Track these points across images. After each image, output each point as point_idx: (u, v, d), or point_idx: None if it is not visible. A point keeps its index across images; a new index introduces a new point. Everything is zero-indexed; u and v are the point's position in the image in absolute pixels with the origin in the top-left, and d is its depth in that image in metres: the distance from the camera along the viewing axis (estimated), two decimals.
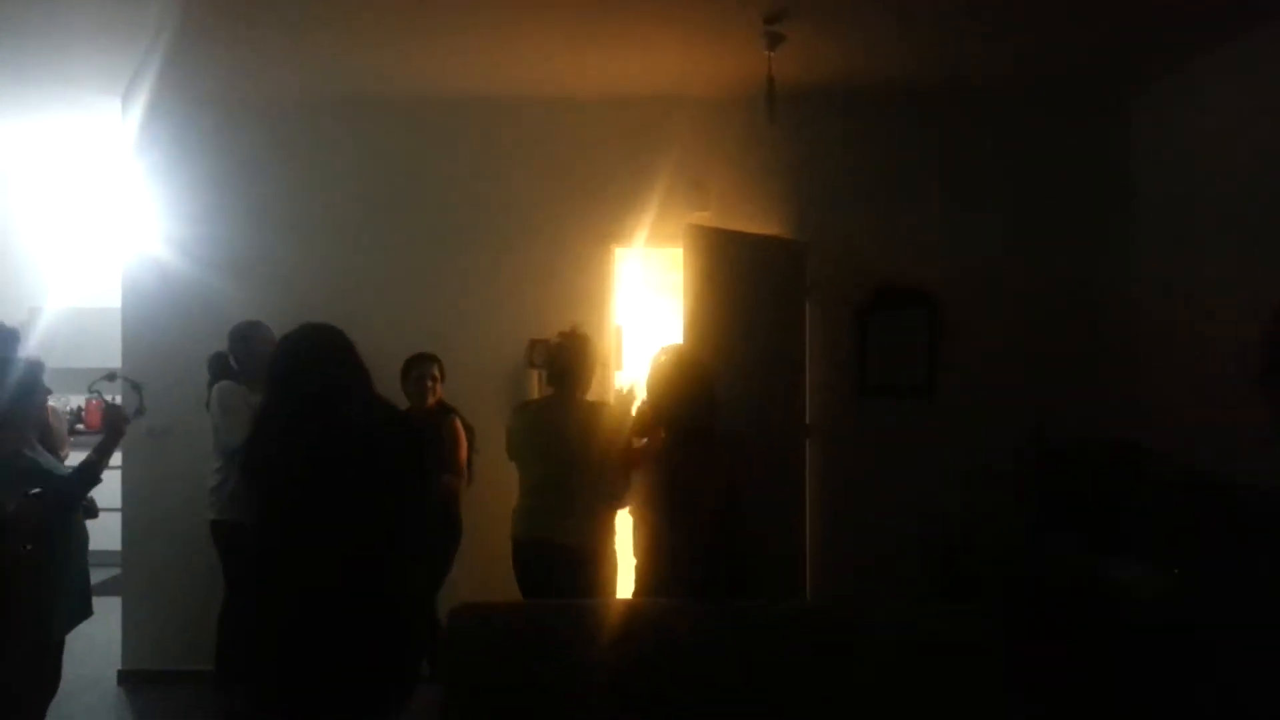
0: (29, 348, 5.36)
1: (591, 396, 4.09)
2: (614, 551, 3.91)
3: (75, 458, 3.87)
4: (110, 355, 5.27)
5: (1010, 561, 4.47)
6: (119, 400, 4.26)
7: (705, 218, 4.95)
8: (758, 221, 5.08)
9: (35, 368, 3.52)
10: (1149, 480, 4.57)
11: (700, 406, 3.47)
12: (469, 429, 4.54)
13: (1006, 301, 5.11)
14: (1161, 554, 4.06)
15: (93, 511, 3.70)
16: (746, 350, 4.59)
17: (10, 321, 7.12)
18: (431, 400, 4.53)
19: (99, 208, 6.97)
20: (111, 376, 4.02)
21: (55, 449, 4.76)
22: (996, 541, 4.65)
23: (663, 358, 3.73)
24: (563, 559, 3.77)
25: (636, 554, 3.61)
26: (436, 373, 4.57)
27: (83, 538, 3.64)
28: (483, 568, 4.25)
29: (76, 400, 7.64)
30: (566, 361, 3.94)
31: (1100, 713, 3.75)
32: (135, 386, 4.07)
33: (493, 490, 4.45)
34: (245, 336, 4.46)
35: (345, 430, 2.75)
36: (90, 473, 3.49)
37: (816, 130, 5.12)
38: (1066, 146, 5.16)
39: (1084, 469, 4.63)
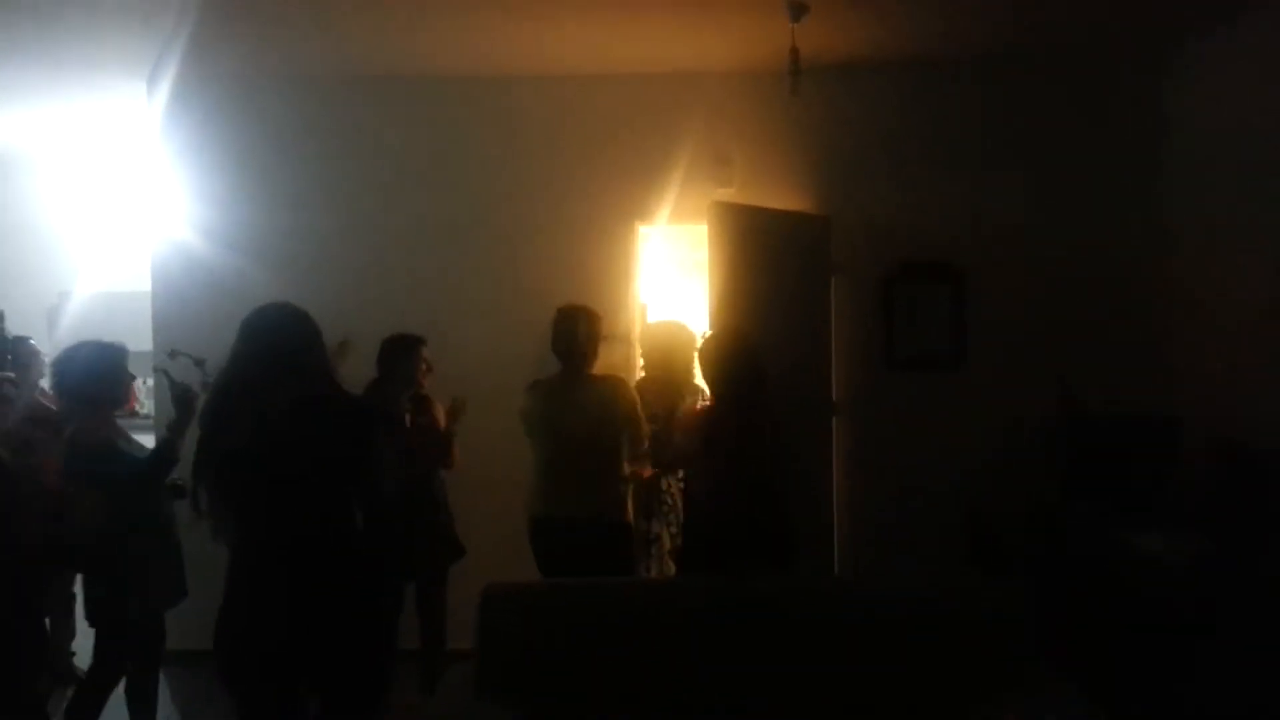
0: (60, 331, 5.46)
1: (603, 370, 4.08)
2: (630, 524, 3.98)
3: None
4: (140, 339, 5.30)
5: (1040, 533, 4.46)
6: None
7: (729, 194, 4.93)
8: (782, 197, 5.05)
9: (119, 353, 3.68)
10: (1180, 450, 4.53)
11: (745, 375, 3.60)
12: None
13: (1034, 273, 5.06)
14: (1192, 525, 4.03)
15: (181, 491, 3.71)
16: (772, 326, 4.58)
17: (40, 305, 7.23)
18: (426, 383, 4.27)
19: (127, 191, 7.01)
20: (173, 354, 4.09)
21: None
22: (1026, 513, 4.64)
23: (656, 330, 4.13)
24: (579, 534, 3.80)
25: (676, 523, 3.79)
26: (427, 354, 4.26)
27: (171, 517, 3.73)
28: (498, 547, 4.27)
29: None
30: (568, 338, 3.94)
31: (1130, 684, 3.74)
32: (198, 362, 4.08)
33: (513, 471, 4.44)
34: None
35: (301, 405, 2.74)
36: (163, 452, 3.51)
37: (841, 103, 5.08)
38: (1095, 116, 5.09)
39: (1114, 439, 4.59)
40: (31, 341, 4.87)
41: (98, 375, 3.55)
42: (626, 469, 3.93)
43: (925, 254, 5.08)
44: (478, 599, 3.06)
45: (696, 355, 3.91)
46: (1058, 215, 5.07)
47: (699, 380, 4.13)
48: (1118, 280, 5.05)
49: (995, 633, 2.95)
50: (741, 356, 3.66)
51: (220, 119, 5.22)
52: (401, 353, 4.18)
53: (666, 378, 4.31)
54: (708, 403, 3.84)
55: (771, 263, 4.72)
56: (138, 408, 7.69)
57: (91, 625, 3.67)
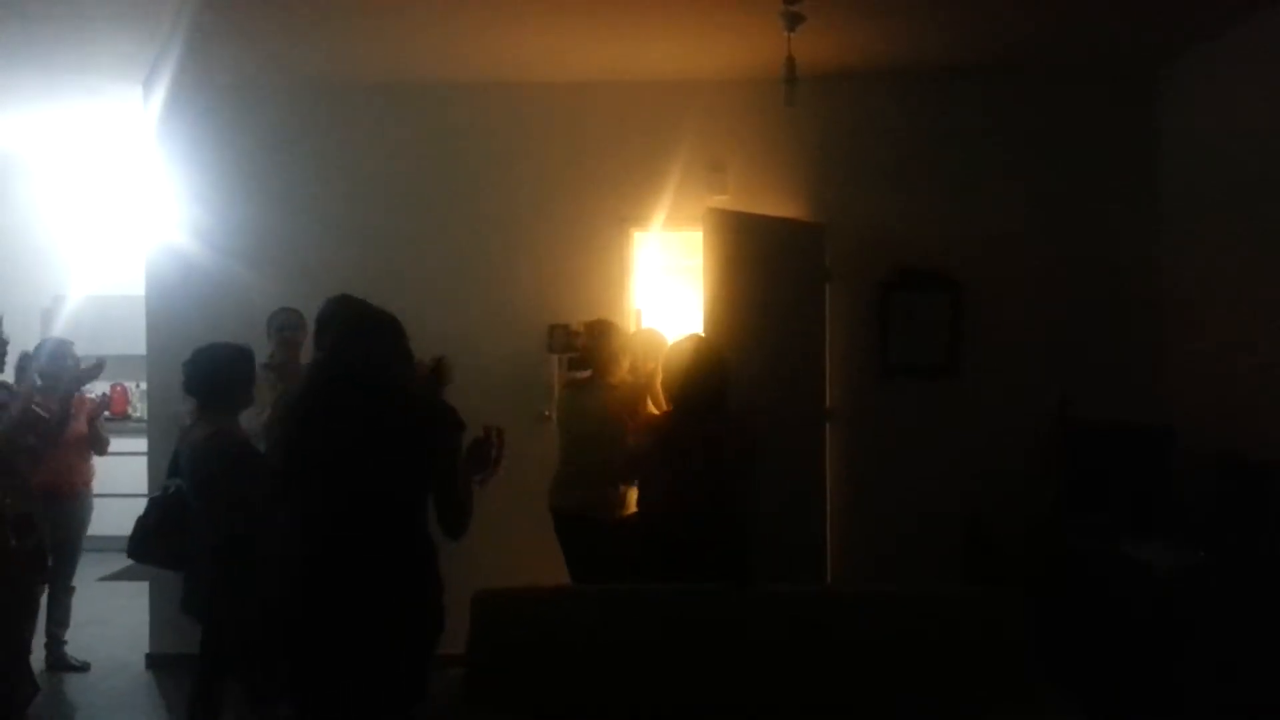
0: (53, 333, 5.46)
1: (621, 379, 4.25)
2: (619, 523, 4.10)
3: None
4: (134, 342, 5.32)
5: (1037, 544, 4.46)
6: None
7: (724, 201, 4.92)
8: (777, 204, 5.04)
9: (249, 355, 3.69)
10: (1175, 460, 4.53)
11: (708, 384, 3.56)
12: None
13: (1029, 282, 5.06)
14: (1189, 535, 4.03)
15: None
16: (766, 333, 4.58)
17: (35, 308, 7.23)
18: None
19: (122, 195, 7.01)
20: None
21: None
22: (1021, 523, 4.63)
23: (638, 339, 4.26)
24: (580, 527, 4.12)
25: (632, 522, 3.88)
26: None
27: None
28: (486, 552, 4.28)
29: (101, 387, 7.70)
30: (589, 347, 4.27)
31: (1128, 695, 3.74)
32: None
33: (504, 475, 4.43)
34: (269, 325, 4.54)
35: (383, 402, 2.81)
36: None
37: (836, 112, 5.08)
38: (1091, 125, 5.09)
39: (1110, 449, 4.59)
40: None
41: (231, 376, 3.55)
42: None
43: (920, 262, 5.07)
44: (467, 604, 3.06)
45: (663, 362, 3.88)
46: (1054, 224, 5.07)
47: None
48: (1114, 290, 5.05)
49: (992, 644, 2.94)
50: (705, 366, 3.59)
51: (215, 124, 5.22)
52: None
53: (649, 385, 4.33)
54: (667, 410, 3.81)
55: (766, 269, 4.71)
56: (130, 411, 7.69)
57: (194, 616, 3.63)
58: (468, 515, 2.92)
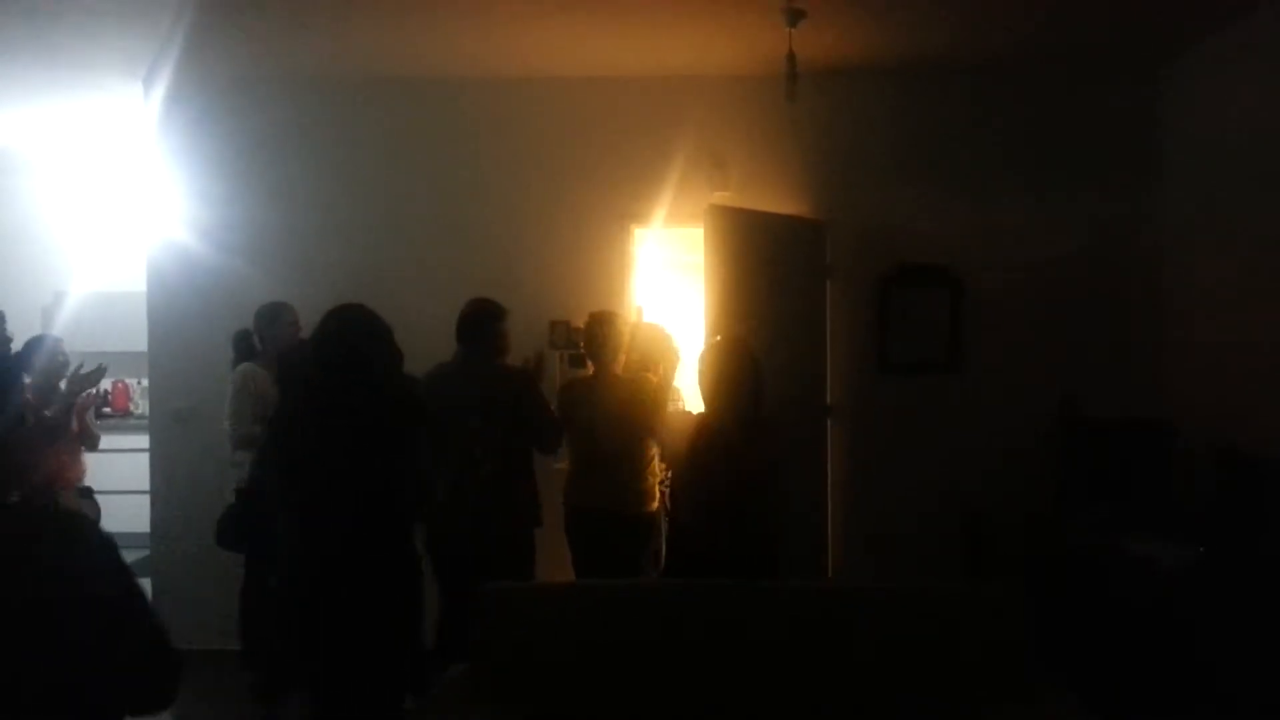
0: (54, 330, 5.46)
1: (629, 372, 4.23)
2: (653, 515, 4.16)
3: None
4: (135, 339, 5.31)
5: (1035, 540, 4.46)
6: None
7: (725, 197, 4.92)
8: (778, 200, 5.05)
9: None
10: (1175, 457, 4.54)
11: (743, 391, 3.51)
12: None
13: (1030, 278, 5.06)
14: (1188, 530, 4.04)
15: None
16: (767, 330, 4.58)
17: (36, 304, 7.22)
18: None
19: (123, 192, 7.01)
20: None
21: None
22: (1021, 520, 4.64)
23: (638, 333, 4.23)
24: (607, 524, 4.07)
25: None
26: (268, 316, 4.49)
27: None
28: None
29: (102, 383, 7.70)
30: (595, 340, 4.19)
31: (1127, 690, 3.74)
32: None
33: None
34: (270, 317, 4.51)
35: (356, 400, 2.87)
36: None
37: (837, 108, 5.08)
38: (1093, 120, 5.09)
39: (1110, 445, 4.59)
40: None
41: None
42: (657, 464, 4.16)
43: (921, 258, 5.07)
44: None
45: (697, 363, 3.87)
46: (1054, 221, 5.06)
47: (679, 385, 4.25)
48: (1114, 287, 5.05)
49: (992, 639, 2.94)
50: (743, 371, 3.53)
51: (216, 119, 5.22)
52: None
53: (663, 383, 4.32)
54: (699, 412, 3.76)
55: (767, 266, 4.72)
56: (132, 408, 7.69)
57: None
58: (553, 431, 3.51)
